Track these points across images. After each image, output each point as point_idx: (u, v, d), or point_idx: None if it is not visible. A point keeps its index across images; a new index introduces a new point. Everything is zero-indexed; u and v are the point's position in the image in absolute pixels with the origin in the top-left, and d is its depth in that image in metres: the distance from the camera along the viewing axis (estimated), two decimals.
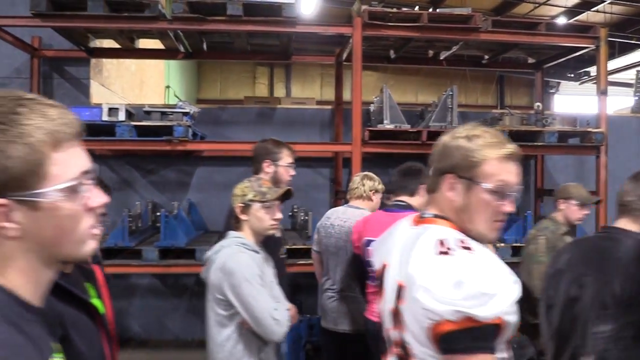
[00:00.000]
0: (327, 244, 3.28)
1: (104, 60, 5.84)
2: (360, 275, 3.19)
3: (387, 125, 4.47)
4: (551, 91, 14.67)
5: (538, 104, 5.07)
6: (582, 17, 11.56)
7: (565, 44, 5.04)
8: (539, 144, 4.67)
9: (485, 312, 1.14)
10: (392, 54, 5.55)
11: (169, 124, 4.23)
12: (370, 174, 3.44)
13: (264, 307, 2.16)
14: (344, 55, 5.35)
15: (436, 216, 1.40)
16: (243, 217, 2.35)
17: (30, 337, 0.82)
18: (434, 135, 4.55)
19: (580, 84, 13.96)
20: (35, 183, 0.82)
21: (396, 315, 1.34)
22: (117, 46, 5.44)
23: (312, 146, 4.93)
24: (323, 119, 5.80)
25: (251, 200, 2.33)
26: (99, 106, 4.34)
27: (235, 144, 4.97)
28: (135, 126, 4.23)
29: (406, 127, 4.54)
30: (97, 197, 0.90)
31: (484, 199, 1.33)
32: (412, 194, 2.92)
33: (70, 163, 0.85)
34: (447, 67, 6.14)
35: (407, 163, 2.96)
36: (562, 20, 10.78)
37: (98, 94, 5.63)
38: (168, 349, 5.14)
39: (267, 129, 5.62)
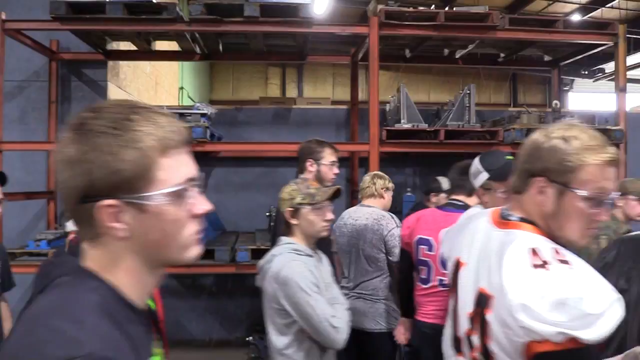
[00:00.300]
0: (341, 243, 3.31)
1: (121, 62, 5.89)
2: (407, 274, 3.16)
3: (405, 125, 4.46)
4: (565, 89, 14.56)
5: (556, 101, 5.04)
6: (596, 13, 11.46)
7: (583, 41, 5.00)
8: None
9: (591, 334, 1.08)
10: (407, 53, 5.54)
11: (187, 125, 4.25)
12: (380, 172, 3.48)
13: (322, 316, 2.09)
14: (360, 55, 5.35)
15: (522, 220, 1.32)
16: (293, 221, 2.27)
17: (131, 336, 0.84)
18: (452, 134, 4.55)
19: (594, 81, 13.83)
20: (143, 186, 0.85)
21: (476, 320, 1.30)
22: (134, 48, 5.49)
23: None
24: (338, 119, 5.80)
25: (300, 204, 2.25)
26: None
27: (251, 144, 4.99)
28: None
29: (424, 126, 4.53)
30: (202, 204, 0.92)
31: (578, 206, 1.24)
32: (469, 193, 2.80)
33: (177, 169, 0.88)
34: (463, 65, 6.12)
35: (464, 161, 2.80)
36: (576, 17, 10.69)
37: (115, 96, 5.67)
38: (186, 349, 5.17)
39: (283, 129, 5.64)
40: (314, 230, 2.27)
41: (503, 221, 1.37)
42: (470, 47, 5.26)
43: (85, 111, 0.87)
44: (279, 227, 2.45)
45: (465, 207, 2.74)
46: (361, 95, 5.78)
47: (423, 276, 3.00)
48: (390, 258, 3.20)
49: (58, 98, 5.39)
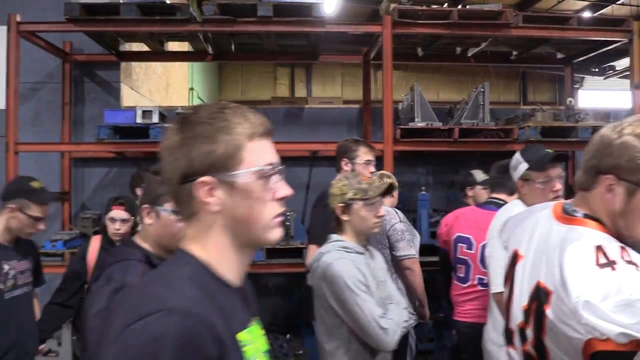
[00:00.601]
0: None
1: (133, 63, 5.91)
2: (446, 273, 3.18)
3: (419, 123, 4.45)
4: (575, 86, 14.47)
5: (570, 99, 5.01)
6: (607, 10, 11.37)
7: (597, 38, 4.97)
8: (573, 139, 4.61)
9: None
10: (419, 51, 5.52)
11: None
12: (387, 172, 3.47)
13: (370, 316, 2.01)
14: (372, 54, 5.34)
15: (586, 216, 1.30)
16: (344, 217, 2.21)
17: (221, 306, 0.96)
18: (466, 132, 4.53)
19: (605, 79, 13.73)
20: (232, 166, 1.00)
21: (533, 315, 1.28)
22: (146, 49, 5.51)
23: None
24: (350, 118, 5.79)
25: (352, 199, 2.19)
26: (132, 109, 4.39)
27: None
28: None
29: (438, 124, 4.51)
30: (284, 189, 1.06)
31: None
32: (511, 192, 2.81)
33: (261, 153, 1.03)
34: (475, 64, 6.09)
35: (504, 160, 2.81)
36: (586, 15, 10.62)
37: (128, 97, 5.69)
38: None
39: (295, 129, 5.64)
40: (366, 226, 2.20)
41: (566, 216, 1.34)
42: (483, 45, 5.23)
43: (187, 109, 1.06)
44: (315, 226, 2.42)
45: (505, 204, 2.73)
46: (364, 95, 5.77)
47: (461, 275, 3.01)
48: (394, 253, 3.14)
49: (71, 99, 5.41)
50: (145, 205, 1.87)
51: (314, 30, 4.50)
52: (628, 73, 5.29)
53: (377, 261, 2.32)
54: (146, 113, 4.26)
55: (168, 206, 1.83)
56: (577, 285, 1.14)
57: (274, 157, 1.06)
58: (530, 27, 4.63)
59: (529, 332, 1.30)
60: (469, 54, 5.63)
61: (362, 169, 2.98)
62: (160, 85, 7.27)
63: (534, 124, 4.54)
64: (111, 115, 4.34)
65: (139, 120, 4.24)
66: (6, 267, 2.67)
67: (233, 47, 5.32)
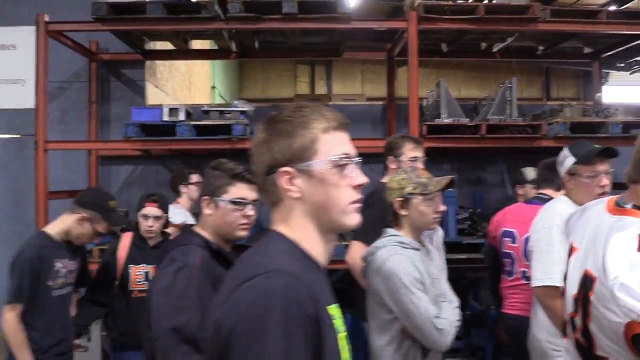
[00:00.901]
0: None
1: (157, 62, 5.96)
2: (494, 268, 3.21)
3: (445, 120, 4.40)
4: (601, 82, 14.22)
5: (599, 94, 4.92)
6: (633, 4, 11.14)
7: (628, 32, 4.86)
8: (603, 135, 4.52)
9: None
10: (444, 47, 5.46)
11: (227, 122, 4.29)
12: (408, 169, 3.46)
13: (426, 316, 1.98)
14: (397, 51, 5.30)
15: (635, 207, 1.33)
16: (403, 212, 2.17)
17: (312, 280, 1.05)
18: (494, 129, 4.47)
19: (631, 74, 13.48)
20: (309, 157, 1.11)
21: (580, 302, 1.31)
22: (170, 48, 5.54)
23: (369, 142, 4.90)
24: (374, 116, 5.76)
25: (411, 194, 2.15)
26: (159, 107, 4.42)
27: None
28: (195, 126, 4.31)
29: (465, 121, 4.46)
30: (359, 177, 1.15)
31: None
32: (558, 188, 2.82)
33: (335, 145, 1.13)
34: (500, 60, 6.01)
35: (552, 158, 2.81)
36: (611, 9, 10.40)
37: (153, 95, 5.75)
38: None
39: None
40: (425, 222, 2.17)
41: (617, 208, 1.37)
42: (509, 40, 5.16)
43: (273, 111, 1.20)
44: (369, 222, 2.38)
45: (551, 200, 2.74)
46: (389, 92, 5.74)
47: (507, 268, 3.07)
48: None
49: (98, 98, 5.48)
50: (206, 197, 1.96)
51: (340, 27, 4.48)
52: None
53: (433, 258, 2.28)
54: (173, 111, 4.29)
55: (226, 197, 1.92)
56: (615, 268, 1.18)
57: (349, 149, 1.16)
58: (559, 21, 4.54)
59: (578, 321, 1.32)
60: (494, 50, 5.56)
61: (408, 167, 2.86)
62: (184, 84, 7.33)
63: (562, 120, 4.46)
64: (138, 114, 4.38)
65: (165, 118, 4.27)
66: (59, 265, 2.70)
67: (257, 45, 5.32)
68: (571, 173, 2.42)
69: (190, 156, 5.35)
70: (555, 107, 4.80)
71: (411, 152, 2.93)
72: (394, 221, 2.22)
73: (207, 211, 1.96)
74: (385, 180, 2.97)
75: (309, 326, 0.97)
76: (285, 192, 1.12)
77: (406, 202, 2.16)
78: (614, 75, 14.34)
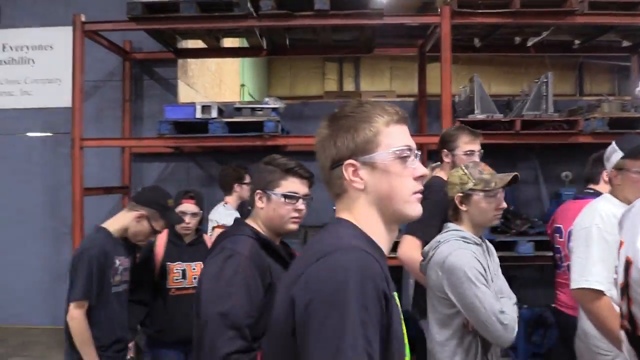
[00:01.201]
0: None
1: (189, 60, 6.02)
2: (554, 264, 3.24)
3: (479, 116, 4.33)
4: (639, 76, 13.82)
5: (638, 89, 4.77)
6: None
7: None
8: None
9: None
10: (476, 42, 5.38)
11: (259, 119, 4.30)
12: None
13: (490, 311, 1.94)
14: (428, 46, 5.24)
15: None
16: (463, 207, 2.14)
17: (383, 264, 1.10)
18: (528, 124, 4.38)
19: None
20: (372, 149, 1.16)
21: (624, 288, 1.31)
22: (202, 46, 5.59)
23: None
24: (405, 112, 5.70)
25: (472, 190, 2.12)
26: (192, 105, 4.47)
27: None
28: (227, 123, 4.33)
29: (499, 116, 4.39)
30: (420, 168, 1.19)
31: None
32: (599, 182, 2.91)
33: (396, 137, 1.18)
34: (535, 54, 5.89)
35: (600, 152, 2.74)
36: None
37: (185, 93, 5.81)
38: None
39: None
40: (485, 219, 2.14)
41: None
42: (545, 34, 5.05)
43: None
44: (422, 217, 2.35)
45: (597, 194, 2.73)
46: (419, 88, 5.68)
47: (558, 262, 3.13)
48: None
49: (131, 96, 5.56)
50: (258, 191, 2.00)
51: (371, 23, 4.45)
52: None
53: (492, 253, 2.25)
54: (205, 108, 4.32)
55: (278, 190, 1.96)
56: None
57: (409, 141, 1.20)
58: (597, 13, 4.41)
59: (624, 307, 1.32)
60: (529, 44, 5.45)
61: (462, 160, 2.71)
62: (214, 82, 7.39)
63: (600, 115, 4.35)
64: (171, 111, 4.43)
65: (198, 115, 4.31)
66: (117, 262, 2.72)
67: (287, 42, 5.33)
68: (618, 168, 2.34)
69: (222, 153, 5.40)
70: (592, 102, 4.67)
71: (466, 145, 2.80)
72: (454, 216, 2.19)
73: (259, 204, 2.00)
74: (438, 173, 2.92)
75: (382, 300, 1.01)
76: (349, 183, 1.17)
77: (466, 197, 2.13)
78: None
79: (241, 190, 4.10)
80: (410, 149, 1.18)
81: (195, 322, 1.87)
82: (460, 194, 2.14)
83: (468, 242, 2.09)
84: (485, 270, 2.04)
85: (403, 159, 1.16)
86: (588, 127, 4.35)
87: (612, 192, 2.40)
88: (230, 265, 1.81)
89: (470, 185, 2.12)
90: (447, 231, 2.16)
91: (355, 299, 0.97)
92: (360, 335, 0.95)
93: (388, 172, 1.15)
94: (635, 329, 1.25)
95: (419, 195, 1.18)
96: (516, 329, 2.01)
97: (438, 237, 2.17)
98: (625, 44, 5.65)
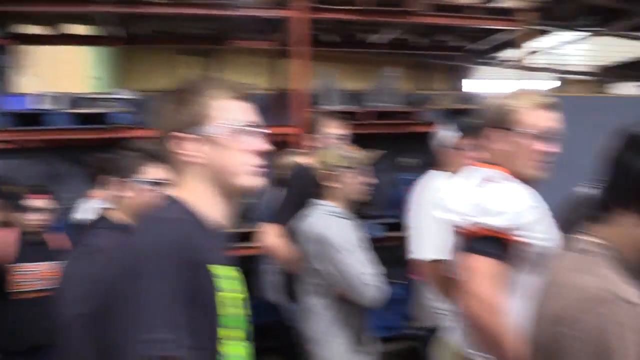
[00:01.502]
0: None
1: (31, 48, 5.54)
2: None
3: (334, 107, 4.55)
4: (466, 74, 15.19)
5: (464, 84, 5.31)
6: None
7: (491, 27, 5.30)
8: None
9: None
10: (330, 38, 5.62)
11: (105, 111, 4.04)
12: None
13: (355, 273, 2.14)
14: (285, 40, 5.37)
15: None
16: (331, 184, 2.33)
17: (198, 236, 1.12)
18: (381, 115, 4.69)
19: (493, 67, 14.56)
20: (201, 122, 1.17)
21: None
22: (44, 33, 5.18)
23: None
24: (264, 105, 5.76)
25: (337, 166, 2.31)
26: (23, 95, 4.11)
27: None
28: (69, 114, 4.00)
29: (353, 108, 4.67)
30: (257, 143, 1.20)
31: None
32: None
33: (229, 111, 1.19)
34: (376, 50, 6.32)
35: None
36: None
37: (28, 83, 5.35)
38: None
39: None
40: (352, 193, 2.30)
41: None
42: (387, 32, 5.40)
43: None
44: (285, 205, 2.38)
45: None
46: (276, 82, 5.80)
47: None
48: None
49: None
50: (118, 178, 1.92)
51: (226, 14, 4.45)
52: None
53: (361, 229, 2.39)
54: (46, 98, 4.01)
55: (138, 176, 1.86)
56: None
57: (246, 116, 1.20)
58: (433, 14, 4.80)
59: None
60: (367, 41, 5.81)
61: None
62: (65, 74, 6.91)
63: (435, 107, 4.78)
64: (1, 102, 4.03)
65: (34, 106, 3.97)
66: None
67: (141, 32, 5.15)
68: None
69: (69, 148, 5.01)
70: (430, 95, 5.14)
71: (333, 130, 2.91)
72: (323, 194, 2.32)
73: (123, 193, 1.94)
74: (304, 160, 2.92)
75: (188, 270, 1.04)
76: (179, 155, 1.18)
77: (333, 174, 2.27)
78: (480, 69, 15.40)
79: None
80: (244, 124, 1.19)
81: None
82: (327, 171, 2.29)
83: (337, 216, 2.24)
84: (354, 241, 2.20)
85: (236, 133, 1.17)
86: (424, 118, 4.75)
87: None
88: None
89: (334, 162, 2.28)
90: (315, 206, 2.29)
91: (154, 269, 1.02)
92: (162, 306, 1.00)
93: (219, 144, 1.17)
94: None
95: (256, 169, 1.20)
96: (382, 290, 2.17)
97: (306, 212, 2.29)
98: (470, 46, 6.23)
